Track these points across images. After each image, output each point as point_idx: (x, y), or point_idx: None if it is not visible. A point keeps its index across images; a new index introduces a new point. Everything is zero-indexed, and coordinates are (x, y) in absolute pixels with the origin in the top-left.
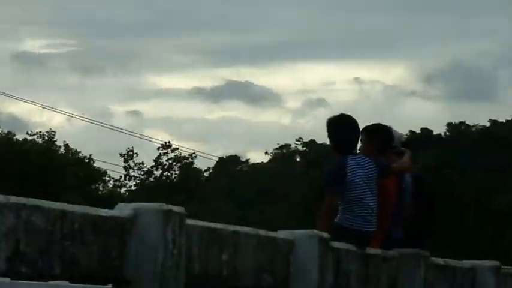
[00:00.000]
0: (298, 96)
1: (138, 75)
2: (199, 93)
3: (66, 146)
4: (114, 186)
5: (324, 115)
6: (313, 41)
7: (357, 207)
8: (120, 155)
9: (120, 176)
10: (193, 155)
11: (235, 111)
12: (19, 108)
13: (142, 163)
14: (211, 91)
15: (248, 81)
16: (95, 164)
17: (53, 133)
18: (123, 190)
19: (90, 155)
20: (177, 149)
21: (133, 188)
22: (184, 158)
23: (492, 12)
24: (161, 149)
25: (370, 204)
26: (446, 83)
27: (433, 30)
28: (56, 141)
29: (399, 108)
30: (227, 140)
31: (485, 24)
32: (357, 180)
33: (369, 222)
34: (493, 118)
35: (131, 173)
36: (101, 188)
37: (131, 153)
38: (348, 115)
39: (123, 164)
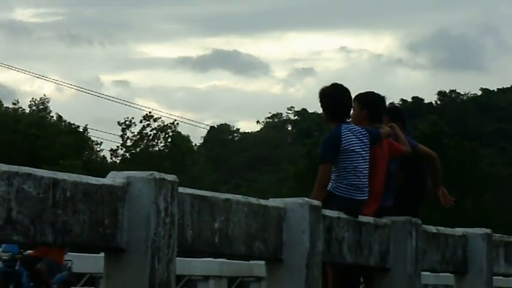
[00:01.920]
0: (285, 65)
1: (125, 45)
2: (185, 63)
3: (59, 117)
4: (111, 155)
5: (313, 84)
6: (300, 10)
7: (350, 175)
8: (118, 123)
9: (117, 146)
10: (175, 122)
11: (224, 80)
12: (6, 77)
13: (140, 132)
14: (198, 60)
15: (235, 50)
16: (89, 135)
17: (47, 100)
18: (118, 160)
19: (86, 125)
20: (160, 118)
21: (127, 156)
22: (168, 126)
23: None
24: (143, 121)
25: (364, 172)
26: (433, 52)
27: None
28: (47, 108)
29: (386, 76)
30: (217, 109)
31: None
32: (352, 148)
33: (362, 190)
34: (479, 86)
35: (128, 142)
36: (93, 157)
37: (129, 122)
38: (340, 84)
39: (119, 133)
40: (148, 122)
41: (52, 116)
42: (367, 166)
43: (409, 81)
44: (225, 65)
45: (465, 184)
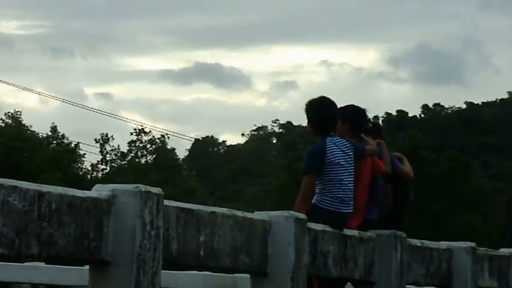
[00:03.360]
0: (267, 79)
1: (108, 57)
2: (167, 76)
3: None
4: (92, 169)
5: (297, 97)
6: (282, 24)
7: (335, 188)
8: (96, 140)
9: (98, 161)
10: (167, 135)
11: (206, 93)
12: None
13: (118, 147)
14: (180, 73)
15: (217, 63)
16: (79, 150)
17: (18, 113)
18: (100, 175)
19: (78, 143)
20: (150, 131)
21: (108, 170)
22: (157, 140)
23: None
24: (134, 134)
25: (349, 185)
26: (414, 66)
27: (400, 13)
28: (21, 121)
29: (368, 89)
30: (201, 122)
31: (449, 8)
32: (337, 161)
33: (346, 203)
34: (460, 100)
35: (107, 157)
36: (77, 167)
37: (106, 138)
38: (327, 97)
39: (98, 148)
40: (138, 136)
41: (26, 127)
42: (352, 179)
43: (391, 95)
44: (206, 78)
45: (454, 198)
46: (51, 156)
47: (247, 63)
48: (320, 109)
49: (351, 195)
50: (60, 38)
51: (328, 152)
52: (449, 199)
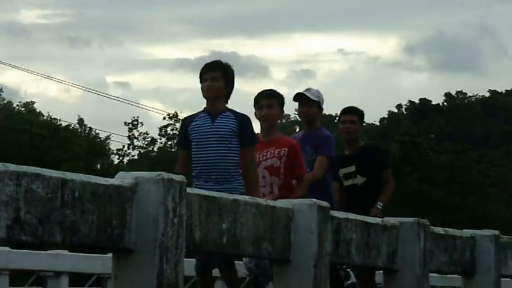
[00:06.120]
0: (285, 67)
1: (123, 46)
2: (183, 64)
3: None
4: (117, 154)
5: (316, 87)
6: (298, 13)
7: None
8: (125, 123)
9: (124, 145)
10: None
11: None
12: (9, 78)
13: (147, 133)
14: (196, 62)
15: (233, 52)
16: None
17: (32, 102)
18: (125, 159)
19: (109, 134)
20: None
21: (136, 157)
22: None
23: None
24: (167, 119)
25: None
26: (429, 54)
27: (414, 2)
28: (34, 110)
29: (385, 78)
30: None
31: None
32: None
33: None
34: (480, 87)
35: (135, 142)
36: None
37: (136, 122)
38: None
39: (126, 133)
40: (170, 122)
41: (43, 116)
42: None
43: (408, 83)
44: None
45: (459, 185)
46: (83, 148)
47: (264, 52)
48: None
49: None
50: (79, 27)
51: None
52: (456, 186)
